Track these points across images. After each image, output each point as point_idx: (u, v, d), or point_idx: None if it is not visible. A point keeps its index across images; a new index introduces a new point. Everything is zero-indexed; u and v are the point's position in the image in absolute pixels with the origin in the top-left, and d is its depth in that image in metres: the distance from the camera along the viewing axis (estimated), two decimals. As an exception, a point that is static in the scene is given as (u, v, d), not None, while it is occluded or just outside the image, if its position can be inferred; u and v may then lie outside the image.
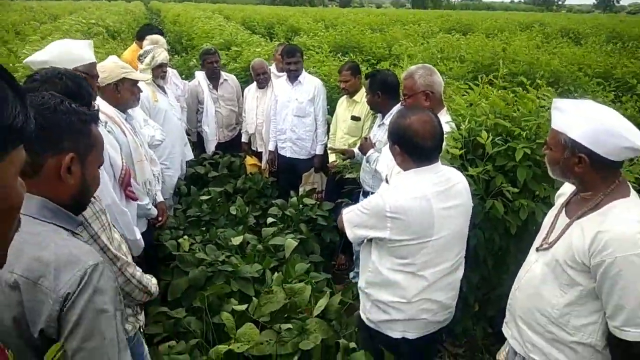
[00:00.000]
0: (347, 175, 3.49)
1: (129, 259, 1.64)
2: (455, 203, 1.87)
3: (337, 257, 3.86)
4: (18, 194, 0.66)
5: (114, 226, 1.65)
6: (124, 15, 16.03)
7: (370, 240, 1.94)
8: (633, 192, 1.53)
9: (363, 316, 2.04)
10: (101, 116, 2.41)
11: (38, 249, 1.02)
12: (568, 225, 1.58)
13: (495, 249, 2.42)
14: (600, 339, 1.55)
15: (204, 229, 3.59)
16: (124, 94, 2.60)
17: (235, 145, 4.92)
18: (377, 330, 1.99)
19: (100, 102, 2.55)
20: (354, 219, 1.93)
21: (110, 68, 2.58)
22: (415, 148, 1.82)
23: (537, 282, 1.65)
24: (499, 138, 2.20)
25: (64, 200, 1.14)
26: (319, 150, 4.20)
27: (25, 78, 1.84)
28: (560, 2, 73.90)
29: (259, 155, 4.75)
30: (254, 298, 2.41)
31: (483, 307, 2.75)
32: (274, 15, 15.28)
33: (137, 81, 2.70)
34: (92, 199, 1.51)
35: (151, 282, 1.72)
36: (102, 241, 1.48)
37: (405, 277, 1.87)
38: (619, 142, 1.41)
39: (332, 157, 3.93)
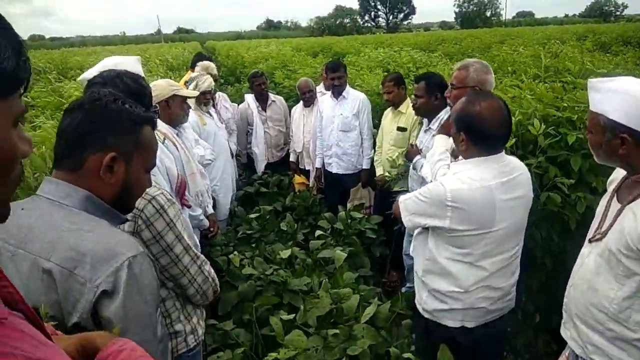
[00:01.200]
0: (395, 188, 3.43)
1: None
2: (518, 194, 1.80)
3: (388, 273, 3.76)
4: (12, 145, 0.61)
5: None
6: (182, 51, 16.98)
7: (426, 227, 1.90)
8: None
9: (419, 307, 1.99)
10: (157, 134, 2.55)
11: (77, 239, 1.01)
12: (620, 211, 1.46)
13: (553, 249, 2.27)
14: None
15: (253, 245, 3.62)
16: (174, 109, 2.72)
17: (284, 165, 4.99)
18: (433, 320, 1.93)
19: None
20: (412, 207, 1.88)
21: (161, 86, 2.71)
22: (483, 136, 1.76)
23: (591, 275, 1.52)
24: (550, 129, 2.08)
25: (105, 199, 1.11)
26: (365, 165, 4.17)
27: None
28: (618, 13, 70.69)
29: (307, 173, 4.79)
30: (301, 307, 2.37)
31: (544, 319, 2.56)
32: (320, 44, 15.63)
33: (186, 98, 2.83)
34: (173, 199, 1.54)
35: (217, 281, 1.73)
36: (185, 241, 1.50)
37: (464, 267, 1.82)
38: None
39: (379, 171, 3.89)
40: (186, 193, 2.52)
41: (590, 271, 1.54)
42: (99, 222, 1.08)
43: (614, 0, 74.18)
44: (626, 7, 73.53)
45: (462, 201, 1.72)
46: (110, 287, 0.99)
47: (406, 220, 1.90)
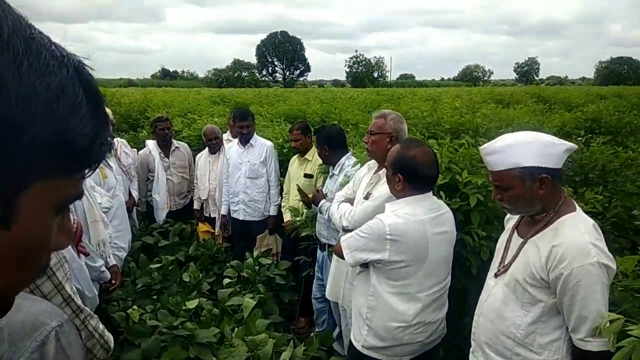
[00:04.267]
0: (303, 233, 3.48)
1: None
2: (445, 229, 2.02)
3: (297, 319, 3.74)
4: (46, 236, 0.48)
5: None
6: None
7: (366, 265, 2.05)
8: (578, 207, 1.63)
9: (357, 344, 2.09)
10: None
11: None
12: (522, 245, 1.64)
13: (458, 288, 2.45)
14: (566, 355, 1.57)
15: (154, 297, 3.39)
16: None
17: (187, 213, 4.82)
18: (371, 357, 2.04)
19: None
20: (353, 244, 2.03)
21: None
22: (417, 177, 1.99)
23: (499, 304, 1.67)
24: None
25: None
26: (272, 211, 4.19)
27: None
28: (485, 79, 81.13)
29: (212, 221, 4.66)
30: (213, 358, 2.26)
31: (449, 354, 2.71)
32: (219, 95, 15.68)
33: None
34: None
35: (110, 337, 1.60)
36: (66, 292, 1.39)
37: (404, 299, 1.98)
38: (559, 149, 1.55)
39: (287, 216, 3.93)
40: (85, 241, 2.34)
41: (498, 300, 1.68)
42: None
43: (482, 67, 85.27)
44: (492, 73, 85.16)
45: (399, 234, 1.91)
46: None
47: (348, 257, 2.04)
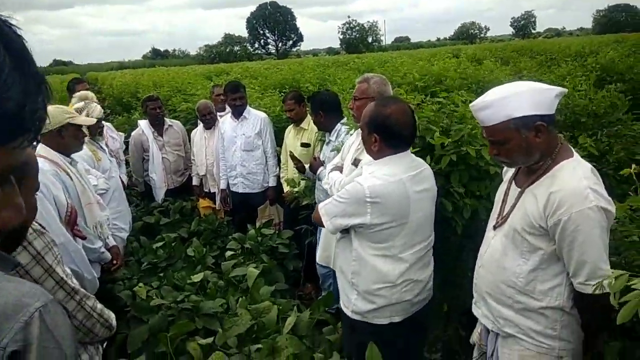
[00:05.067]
0: (304, 202, 3.47)
1: None
2: (425, 187, 1.96)
3: (303, 285, 3.77)
4: None
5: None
6: (59, 84, 15.74)
7: (347, 231, 1.97)
8: (575, 153, 1.60)
9: (347, 310, 2.04)
10: (47, 163, 2.33)
11: None
12: (520, 194, 1.63)
13: (452, 248, 2.45)
14: (567, 300, 1.57)
15: (160, 274, 3.42)
16: (68, 139, 2.52)
17: (186, 190, 4.82)
18: (363, 321, 1.99)
19: (41, 148, 2.46)
20: (332, 210, 1.94)
21: (53, 114, 2.48)
22: (394, 136, 1.90)
23: (499, 255, 1.67)
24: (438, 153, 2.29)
25: None
26: (271, 182, 4.18)
27: None
28: (482, 35, 79.69)
29: (212, 196, 4.66)
30: (219, 329, 2.28)
31: (452, 308, 2.74)
32: (212, 71, 15.47)
33: (81, 126, 2.63)
34: (42, 229, 1.41)
35: (111, 315, 1.61)
36: (57, 275, 1.38)
37: (388, 261, 1.93)
38: (550, 94, 1.51)
39: (286, 187, 3.91)
40: (81, 224, 2.34)
41: (497, 251, 1.67)
42: None
43: (478, 24, 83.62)
44: (488, 29, 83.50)
45: (379, 195, 1.83)
46: (21, 347, 0.83)
47: (328, 224, 1.96)
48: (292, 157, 3.45)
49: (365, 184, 1.85)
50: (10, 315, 0.80)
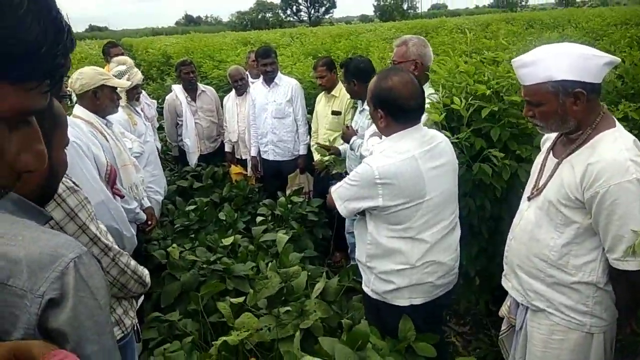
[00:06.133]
0: (334, 171, 3.47)
1: None
2: (442, 162, 1.85)
3: (332, 254, 3.82)
4: None
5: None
6: (97, 49, 15.98)
7: (363, 212, 1.90)
8: (618, 123, 1.53)
9: (367, 290, 1.98)
10: (83, 124, 2.40)
11: (3, 246, 0.83)
12: (557, 165, 1.58)
13: (487, 217, 2.41)
14: (602, 275, 1.54)
15: (192, 236, 3.52)
16: (103, 100, 2.57)
17: (218, 156, 4.88)
18: (383, 301, 1.93)
19: (78, 109, 2.53)
20: (344, 194, 1.88)
21: (88, 75, 2.53)
22: (400, 110, 1.79)
23: (532, 227, 1.63)
24: (472, 101, 2.18)
25: (30, 187, 0.96)
26: (302, 151, 4.19)
27: None
28: (523, 3, 76.11)
29: (244, 163, 4.71)
30: (250, 290, 2.35)
31: (484, 282, 2.72)
32: (246, 38, 15.38)
33: (116, 88, 2.68)
34: (76, 186, 1.46)
35: (145, 272, 1.67)
36: (91, 231, 1.42)
37: (406, 243, 1.83)
38: (598, 62, 1.43)
39: (316, 156, 3.92)
40: (118, 184, 2.40)
41: (530, 223, 1.63)
42: (25, 223, 0.90)
43: (519, -9, 79.78)
44: (530, -4, 79.57)
45: (390, 176, 1.74)
46: (58, 295, 0.83)
47: (341, 208, 1.89)
48: (321, 147, 3.46)
49: (374, 165, 1.76)
50: (46, 264, 0.83)
